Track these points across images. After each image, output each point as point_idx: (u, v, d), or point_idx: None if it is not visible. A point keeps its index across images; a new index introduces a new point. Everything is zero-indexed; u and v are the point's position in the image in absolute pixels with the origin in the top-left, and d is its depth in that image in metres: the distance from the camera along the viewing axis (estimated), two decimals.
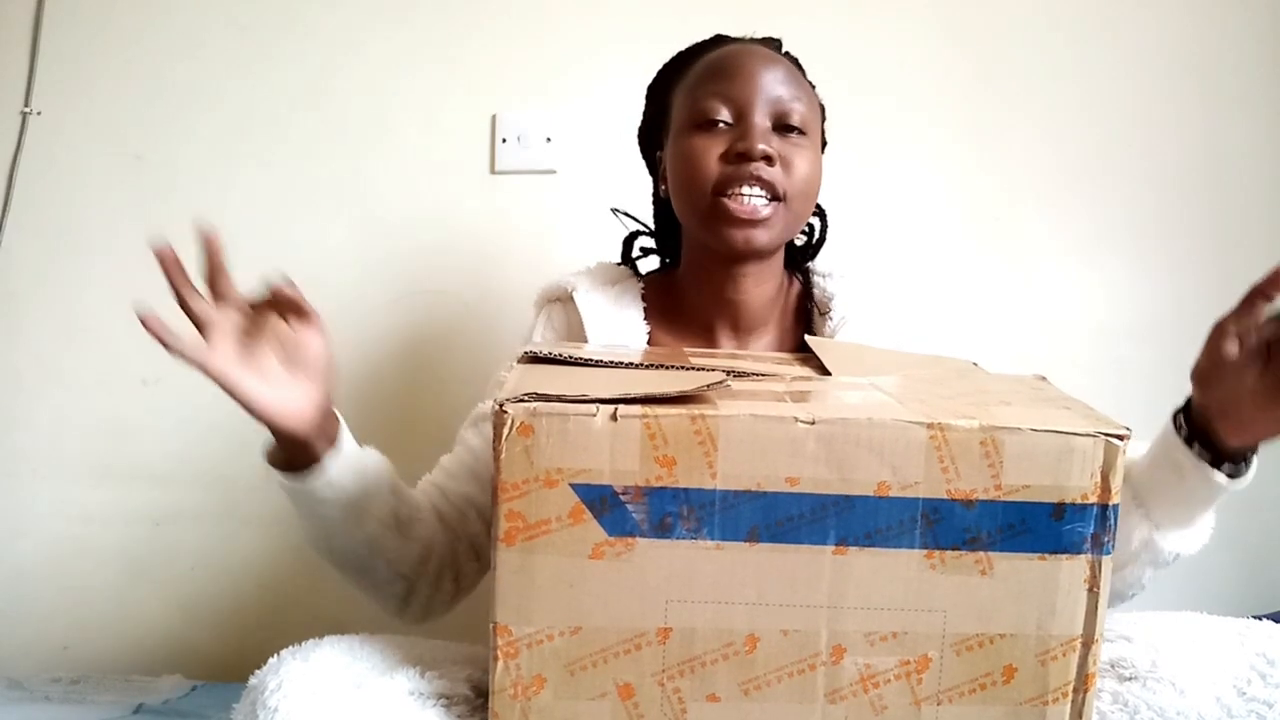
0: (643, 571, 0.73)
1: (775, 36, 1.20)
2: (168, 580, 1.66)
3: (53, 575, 1.67)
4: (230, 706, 0.85)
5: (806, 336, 1.10)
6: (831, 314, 1.16)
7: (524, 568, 0.73)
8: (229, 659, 1.61)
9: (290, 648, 0.87)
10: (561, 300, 1.18)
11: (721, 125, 1.06)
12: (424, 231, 1.68)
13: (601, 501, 0.72)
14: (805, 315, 1.19)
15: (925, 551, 0.73)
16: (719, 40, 1.17)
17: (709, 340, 1.15)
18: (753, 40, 1.17)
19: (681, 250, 1.19)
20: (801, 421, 0.72)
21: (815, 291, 1.19)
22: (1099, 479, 0.73)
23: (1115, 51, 1.63)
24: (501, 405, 0.72)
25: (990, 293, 1.65)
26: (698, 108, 1.07)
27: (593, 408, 0.72)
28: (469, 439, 1.14)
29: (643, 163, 1.25)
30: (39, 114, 1.68)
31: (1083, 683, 0.75)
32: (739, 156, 1.04)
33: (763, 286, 1.13)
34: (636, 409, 0.72)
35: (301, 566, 1.65)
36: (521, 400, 0.72)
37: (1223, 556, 1.51)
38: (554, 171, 1.66)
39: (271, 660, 0.85)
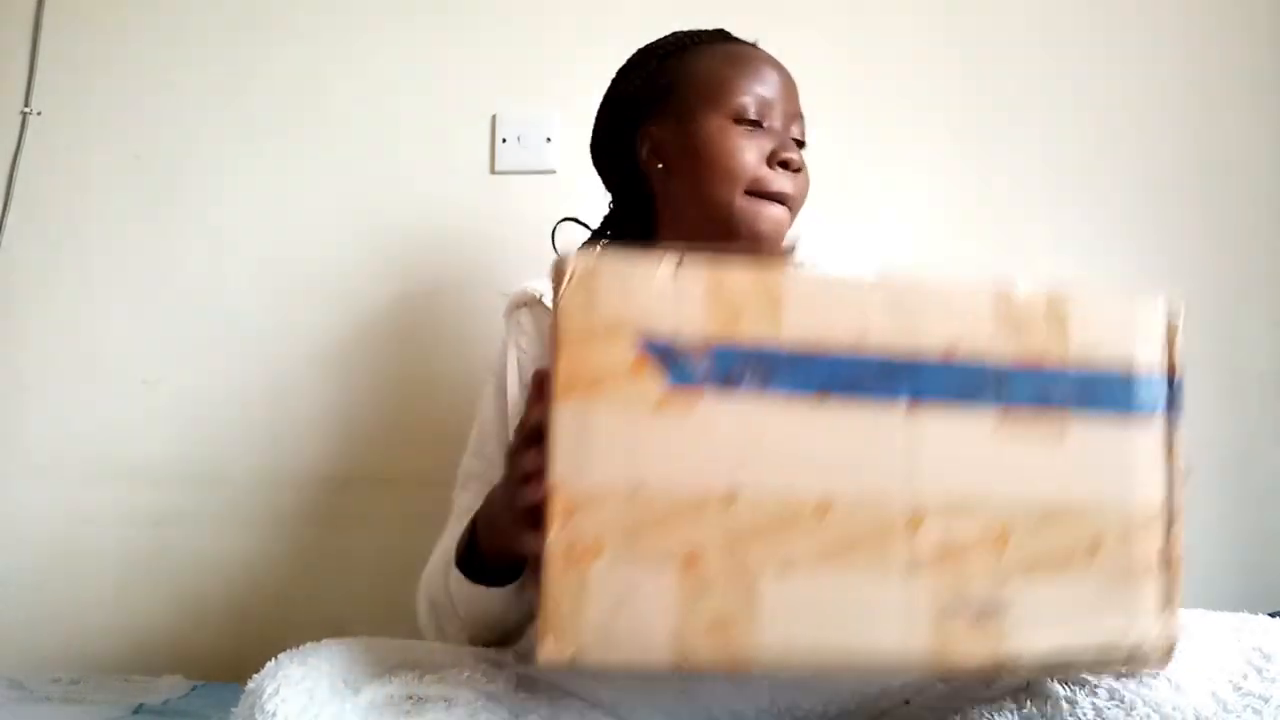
0: (707, 429, 0.69)
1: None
2: (168, 580, 1.66)
3: (53, 575, 1.66)
4: (230, 707, 0.85)
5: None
6: None
7: (582, 424, 0.69)
8: (229, 659, 1.61)
9: (288, 651, 0.87)
10: (529, 305, 1.20)
11: (753, 125, 1.10)
12: (424, 231, 1.68)
13: (664, 354, 0.69)
14: None
15: (997, 417, 0.71)
16: (724, 34, 1.20)
17: None
18: (749, 43, 1.20)
19: (657, 228, 1.18)
20: (870, 282, 0.71)
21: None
22: (1165, 347, 0.73)
23: (1114, 51, 1.63)
24: (563, 258, 0.69)
25: None
26: (737, 102, 1.10)
27: (656, 258, 0.69)
28: (464, 501, 1.18)
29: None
30: (39, 114, 1.69)
31: (1169, 558, 0.74)
32: (781, 164, 1.09)
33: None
34: (702, 263, 0.70)
35: (301, 567, 1.65)
36: (583, 251, 0.70)
37: (1223, 556, 1.52)
38: (554, 171, 1.66)
39: (269, 664, 0.85)
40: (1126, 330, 0.72)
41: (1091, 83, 1.63)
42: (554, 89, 1.66)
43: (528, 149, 1.66)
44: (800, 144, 1.14)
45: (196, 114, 1.69)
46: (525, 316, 1.20)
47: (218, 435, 1.67)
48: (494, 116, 1.67)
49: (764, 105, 1.11)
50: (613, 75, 1.24)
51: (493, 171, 1.68)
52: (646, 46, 1.22)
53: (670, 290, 0.69)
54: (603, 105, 1.24)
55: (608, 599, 0.69)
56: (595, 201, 1.27)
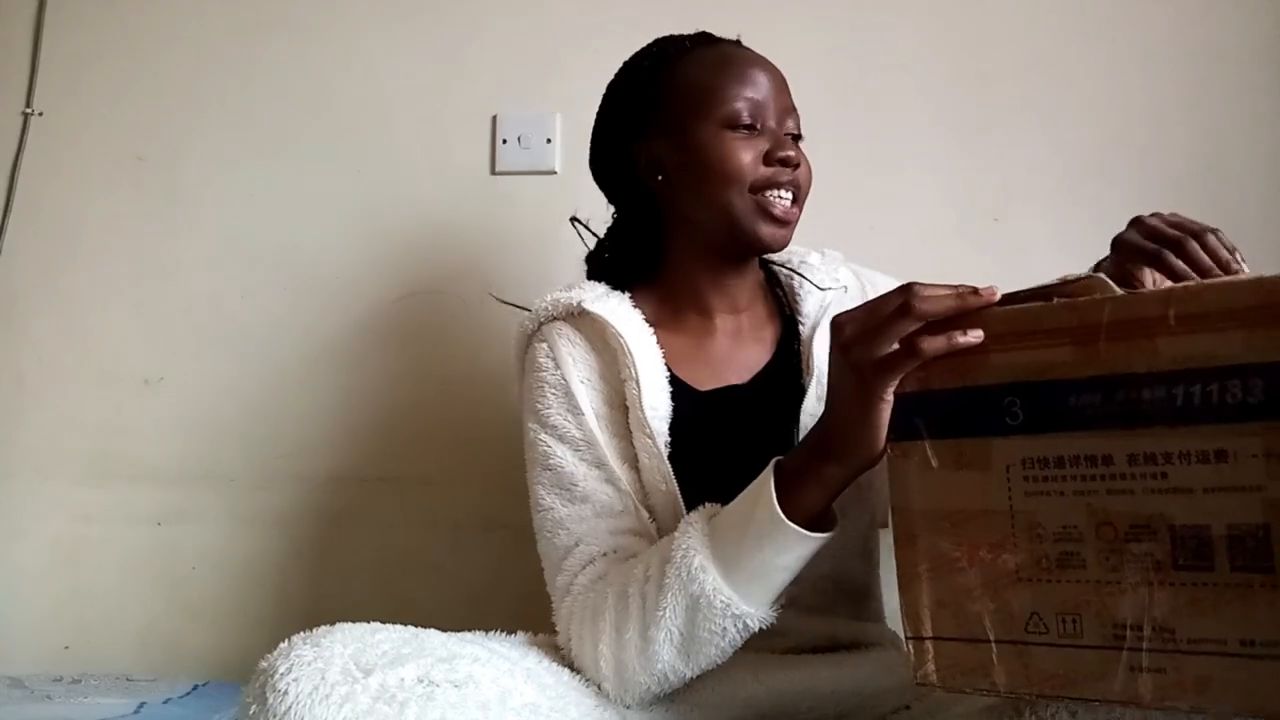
0: None
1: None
2: (168, 580, 1.65)
3: (53, 575, 1.66)
4: (231, 707, 0.84)
5: None
6: (808, 292, 1.21)
7: None
8: (230, 659, 1.61)
9: (301, 633, 0.87)
10: (567, 319, 1.15)
11: (747, 129, 1.10)
12: (425, 232, 1.68)
13: None
14: (778, 296, 1.24)
15: None
16: (707, 37, 1.20)
17: (708, 323, 1.18)
18: (733, 42, 1.20)
19: (666, 234, 1.19)
20: None
21: (782, 277, 1.25)
22: None
23: (1115, 51, 1.64)
24: None
25: None
26: (728, 110, 1.10)
27: None
28: (591, 492, 1.09)
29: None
30: (40, 115, 1.69)
31: None
32: (780, 161, 1.09)
33: (755, 263, 1.21)
34: None
35: (302, 566, 1.64)
36: None
37: None
38: (554, 172, 1.67)
39: (282, 645, 0.85)
40: None
41: (1093, 83, 1.63)
42: (554, 90, 1.67)
43: (528, 150, 1.67)
44: (796, 138, 1.14)
45: (196, 114, 1.70)
46: (566, 330, 1.15)
47: (218, 435, 1.67)
48: (495, 117, 1.68)
49: (755, 107, 1.10)
50: (606, 85, 1.23)
51: (493, 172, 1.68)
52: (631, 60, 1.22)
53: None
54: (596, 123, 1.24)
55: None
56: (596, 202, 1.27)
